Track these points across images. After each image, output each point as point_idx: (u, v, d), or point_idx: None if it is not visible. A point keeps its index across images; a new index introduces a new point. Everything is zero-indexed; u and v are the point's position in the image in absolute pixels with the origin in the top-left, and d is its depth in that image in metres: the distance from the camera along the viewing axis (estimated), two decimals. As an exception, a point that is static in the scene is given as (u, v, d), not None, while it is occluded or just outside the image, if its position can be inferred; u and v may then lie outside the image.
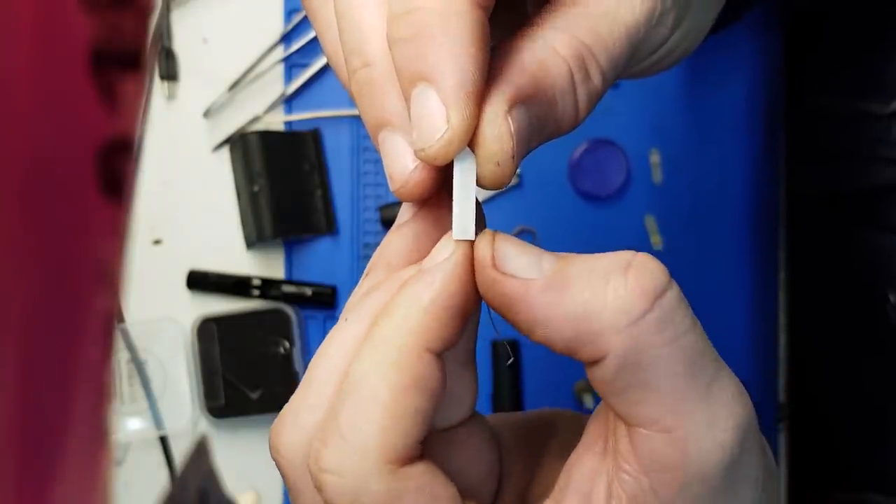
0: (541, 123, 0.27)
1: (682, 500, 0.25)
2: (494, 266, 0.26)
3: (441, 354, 0.26)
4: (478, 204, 0.27)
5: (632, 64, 0.30)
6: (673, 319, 0.25)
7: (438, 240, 0.28)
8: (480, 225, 0.27)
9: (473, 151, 0.26)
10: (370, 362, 0.25)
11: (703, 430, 0.25)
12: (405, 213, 0.29)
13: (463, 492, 0.28)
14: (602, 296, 0.25)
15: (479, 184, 0.26)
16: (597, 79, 0.28)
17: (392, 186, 0.28)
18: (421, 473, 0.25)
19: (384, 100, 0.27)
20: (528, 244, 0.26)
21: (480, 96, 0.25)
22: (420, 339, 0.25)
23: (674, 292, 0.25)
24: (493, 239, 0.26)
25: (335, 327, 0.28)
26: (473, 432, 0.31)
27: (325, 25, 0.30)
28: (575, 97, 0.28)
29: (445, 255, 0.26)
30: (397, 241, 0.29)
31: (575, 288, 0.25)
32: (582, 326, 0.25)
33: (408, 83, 0.25)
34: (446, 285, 0.26)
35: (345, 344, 0.27)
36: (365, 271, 0.30)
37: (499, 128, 0.25)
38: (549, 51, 0.27)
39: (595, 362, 0.25)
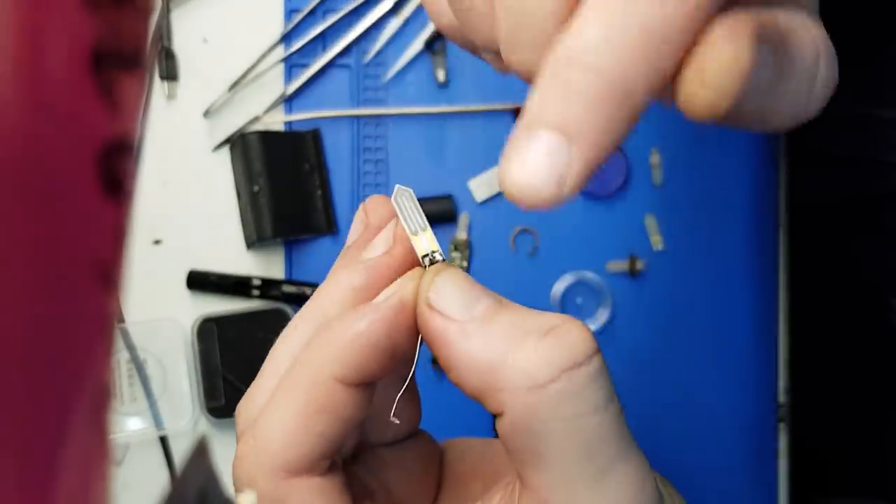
0: (770, 87, 0.23)
1: None
2: (428, 300, 0.26)
3: (362, 385, 0.26)
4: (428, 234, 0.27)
5: None
6: (578, 396, 0.24)
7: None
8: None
9: (684, 68, 0.22)
10: (288, 381, 0.27)
11: None
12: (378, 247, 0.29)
13: None
14: (512, 353, 0.24)
15: (681, 108, 0.23)
16: (835, 72, 0.25)
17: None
18: (308, 489, 0.26)
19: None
20: (475, 284, 0.26)
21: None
22: (332, 370, 0.26)
23: (590, 368, 0.24)
24: (437, 272, 0.26)
25: (290, 325, 0.29)
26: (409, 452, 0.31)
27: None
28: (813, 80, 0.24)
29: (388, 294, 0.27)
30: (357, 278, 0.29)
31: (490, 338, 0.25)
32: (486, 379, 0.25)
33: (540, 123, 0.22)
34: (376, 325, 0.26)
35: (292, 347, 0.28)
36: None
37: (738, 42, 0.21)
38: (804, 22, 0.24)
39: (497, 415, 0.25)
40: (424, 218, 0.27)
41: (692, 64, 0.21)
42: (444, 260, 0.27)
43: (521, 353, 0.24)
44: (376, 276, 0.28)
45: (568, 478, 0.24)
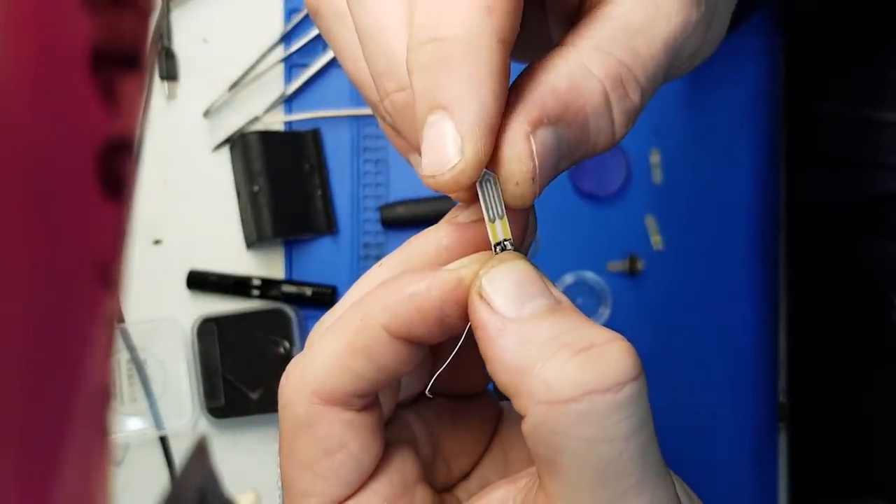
0: (573, 145, 0.27)
1: None
2: (479, 288, 0.26)
3: (409, 341, 0.27)
4: (523, 217, 0.28)
5: (669, 74, 0.30)
6: (598, 422, 0.24)
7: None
8: (522, 237, 0.28)
9: (495, 172, 0.26)
10: (344, 317, 0.28)
11: None
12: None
13: (432, 457, 0.31)
14: (541, 362, 0.24)
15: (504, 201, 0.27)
16: (635, 96, 0.28)
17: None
18: (337, 420, 0.28)
19: None
20: (536, 282, 0.26)
21: (496, 130, 0.25)
22: (381, 318, 0.27)
23: (619, 396, 0.24)
24: (500, 262, 0.26)
25: (375, 266, 0.30)
26: (467, 409, 0.32)
27: (344, 45, 0.31)
28: (611, 117, 0.27)
29: (455, 268, 0.27)
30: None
31: (526, 342, 0.25)
32: (514, 380, 0.25)
33: (425, 109, 0.25)
34: (431, 293, 0.26)
35: (371, 285, 0.29)
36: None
37: (518, 149, 0.25)
38: (582, 71, 0.27)
39: (522, 416, 0.25)
40: (504, 207, 0.27)
41: (499, 171, 0.26)
42: (514, 250, 0.28)
43: (549, 365, 0.24)
44: (463, 242, 0.29)
45: (579, 496, 0.24)
